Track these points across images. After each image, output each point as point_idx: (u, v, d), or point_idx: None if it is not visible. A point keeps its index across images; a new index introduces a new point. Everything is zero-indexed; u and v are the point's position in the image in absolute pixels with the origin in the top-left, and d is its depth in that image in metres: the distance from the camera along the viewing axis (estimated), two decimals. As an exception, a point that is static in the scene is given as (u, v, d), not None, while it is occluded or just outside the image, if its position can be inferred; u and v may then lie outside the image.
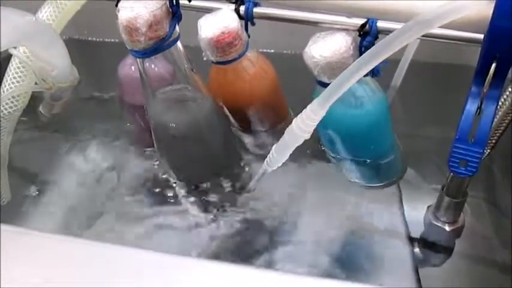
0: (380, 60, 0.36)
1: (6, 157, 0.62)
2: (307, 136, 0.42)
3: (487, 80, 0.36)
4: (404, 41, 0.35)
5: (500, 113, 0.48)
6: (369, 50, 0.36)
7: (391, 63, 0.41)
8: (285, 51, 0.79)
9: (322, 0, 0.41)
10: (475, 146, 0.37)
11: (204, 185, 0.58)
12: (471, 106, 0.37)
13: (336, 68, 0.46)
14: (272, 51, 0.77)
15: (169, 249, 0.53)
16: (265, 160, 0.47)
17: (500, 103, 0.48)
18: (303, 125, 0.41)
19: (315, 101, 0.40)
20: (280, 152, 0.45)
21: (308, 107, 0.41)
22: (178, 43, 0.48)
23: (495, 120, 0.50)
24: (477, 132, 0.37)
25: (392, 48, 0.35)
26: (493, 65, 0.36)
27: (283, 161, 0.46)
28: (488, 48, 0.36)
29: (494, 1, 0.33)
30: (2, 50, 0.54)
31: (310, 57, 0.47)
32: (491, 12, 0.34)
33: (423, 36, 0.36)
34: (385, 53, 0.36)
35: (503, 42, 0.35)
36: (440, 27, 0.35)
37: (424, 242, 0.54)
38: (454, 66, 0.75)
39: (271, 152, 0.46)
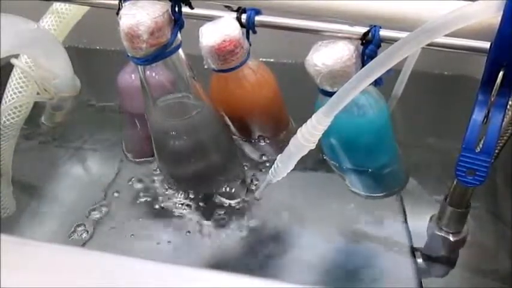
0: (387, 68, 0.36)
1: (10, 167, 0.62)
2: (313, 146, 0.42)
3: (494, 89, 0.36)
4: (411, 49, 0.35)
5: (503, 122, 0.48)
6: (375, 58, 0.36)
7: (393, 73, 0.41)
8: (285, 61, 0.79)
9: (326, 8, 0.40)
10: (483, 155, 0.37)
11: (205, 194, 0.57)
12: (478, 115, 0.37)
13: (338, 76, 0.46)
14: (272, 60, 0.77)
15: (171, 259, 0.53)
16: (270, 171, 0.46)
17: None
18: (308, 135, 0.41)
19: (320, 110, 0.40)
20: (285, 162, 0.44)
21: (313, 116, 0.40)
22: (180, 50, 0.48)
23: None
24: (485, 141, 0.37)
25: (399, 56, 0.35)
26: (501, 73, 0.35)
27: (288, 171, 0.45)
28: (495, 56, 0.35)
29: (502, 9, 0.33)
30: (2, 56, 0.54)
31: (312, 65, 0.46)
32: (498, 20, 0.34)
33: (428, 45, 0.36)
34: (392, 61, 0.35)
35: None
36: (445, 35, 0.35)
37: (427, 253, 0.54)
38: (454, 76, 0.76)
39: (275, 162, 0.45)
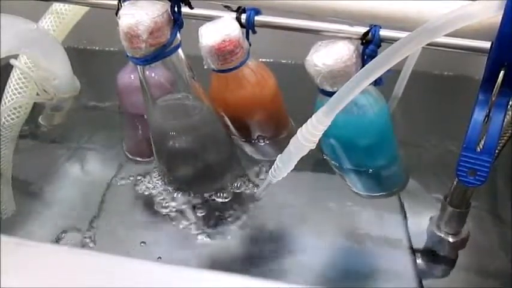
0: (387, 68, 0.36)
1: (10, 167, 0.62)
2: (313, 146, 0.42)
3: (495, 88, 0.36)
4: (412, 49, 0.35)
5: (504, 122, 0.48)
6: (375, 58, 0.36)
7: (393, 73, 0.41)
8: (285, 61, 0.79)
9: (326, 7, 0.40)
10: (484, 154, 0.36)
11: (205, 195, 0.57)
12: (479, 114, 0.37)
13: (338, 76, 0.46)
14: (272, 60, 0.77)
15: (170, 259, 0.52)
16: (270, 171, 0.46)
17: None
18: (308, 135, 0.41)
19: (320, 111, 0.40)
20: (285, 163, 0.44)
21: (313, 116, 0.40)
22: (180, 50, 0.48)
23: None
24: (485, 141, 0.36)
25: (400, 56, 0.35)
26: (501, 73, 0.35)
27: (289, 172, 0.45)
28: (496, 56, 0.35)
29: (503, 8, 0.33)
30: (2, 56, 0.54)
31: (312, 65, 0.46)
32: (498, 19, 0.34)
33: (428, 44, 0.36)
34: (392, 61, 0.35)
35: (513, 50, 0.34)
36: (445, 35, 0.35)
37: (427, 253, 0.54)
38: (454, 76, 0.76)
39: (276, 162, 0.45)
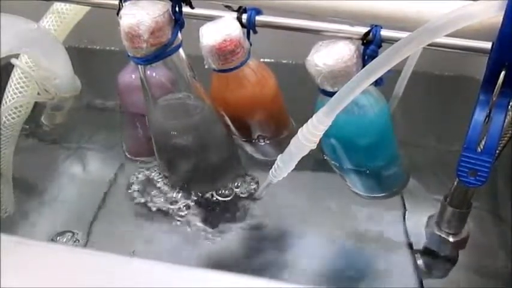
0: (388, 68, 0.36)
1: (10, 167, 0.62)
2: (313, 146, 0.42)
3: (496, 89, 0.36)
4: (412, 49, 0.35)
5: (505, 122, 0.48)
6: (376, 58, 0.36)
7: (393, 73, 0.41)
8: (285, 61, 0.79)
9: (327, 7, 0.40)
10: (484, 155, 0.36)
11: (206, 194, 0.57)
12: (479, 115, 0.37)
13: (339, 76, 0.46)
14: (273, 60, 0.77)
15: (171, 259, 0.52)
16: (271, 171, 0.46)
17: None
18: (309, 135, 0.41)
19: (321, 111, 0.40)
20: (285, 163, 0.44)
21: (314, 116, 0.40)
22: (181, 50, 0.48)
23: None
24: (486, 141, 0.36)
25: (400, 56, 0.35)
26: (502, 73, 0.35)
27: (289, 172, 0.45)
28: (497, 56, 0.35)
29: (504, 9, 0.33)
30: (2, 55, 0.54)
31: (313, 65, 0.46)
32: (499, 19, 0.34)
33: (428, 45, 0.36)
34: (393, 61, 0.35)
35: (514, 50, 0.34)
36: (445, 35, 0.35)
37: (427, 253, 0.54)
38: (455, 77, 0.76)
39: (276, 162, 0.45)
